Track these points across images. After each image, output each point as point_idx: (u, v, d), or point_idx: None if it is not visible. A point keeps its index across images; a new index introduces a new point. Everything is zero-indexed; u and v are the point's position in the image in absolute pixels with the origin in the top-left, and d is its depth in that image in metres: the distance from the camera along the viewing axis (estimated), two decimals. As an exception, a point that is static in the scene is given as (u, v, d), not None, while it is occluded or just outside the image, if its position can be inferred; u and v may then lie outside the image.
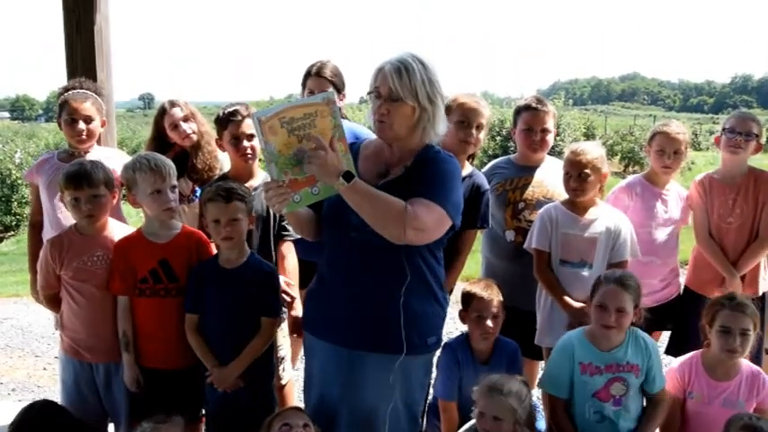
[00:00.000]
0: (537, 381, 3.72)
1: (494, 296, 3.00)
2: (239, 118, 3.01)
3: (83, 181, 2.77)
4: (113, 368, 2.89)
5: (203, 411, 2.96)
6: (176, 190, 2.85)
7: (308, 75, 3.60)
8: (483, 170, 3.55)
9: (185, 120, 3.63)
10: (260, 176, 3.09)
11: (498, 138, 19.98)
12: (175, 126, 3.62)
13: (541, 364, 3.56)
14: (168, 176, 2.78)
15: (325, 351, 2.47)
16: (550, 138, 3.42)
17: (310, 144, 2.18)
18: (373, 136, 2.59)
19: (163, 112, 3.68)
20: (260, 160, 3.12)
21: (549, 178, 3.41)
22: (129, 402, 2.88)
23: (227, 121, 3.03)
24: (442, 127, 2.42)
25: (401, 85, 2.28)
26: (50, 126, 36.78)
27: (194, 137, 3.63)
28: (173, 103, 3.67)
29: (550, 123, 3.39)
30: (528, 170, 3.44)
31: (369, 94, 2.39)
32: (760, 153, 3.57)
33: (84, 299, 2.86)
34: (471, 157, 3.27)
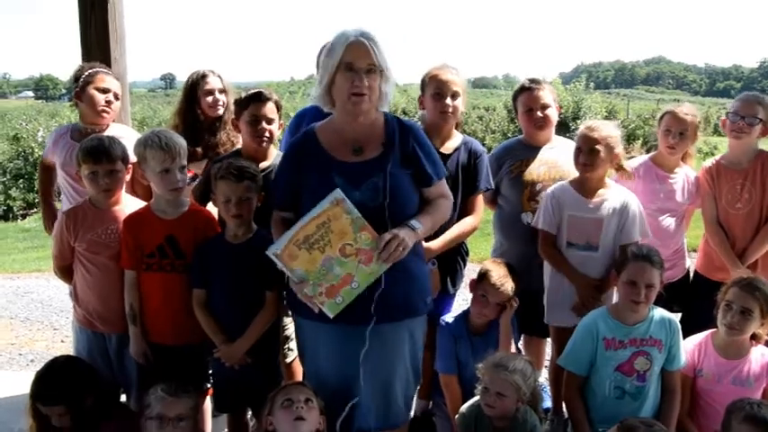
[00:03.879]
0: (545, 359, 3.77)
1: (506, 289, 3.02)
2: (262, 99, 3.00)
3: (102, 156, 2.82)
4: (125, 338, 2.94)
5: (208, 385, 3.01)
6: (185, 170, 2.85)
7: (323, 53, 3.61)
8: (493, 151, 3.58)
9: (221, 92, 3.67)
10: (273, 155, 3.09)
11: (517, 120, 19.88)
12: (210, 93, 3.64)
13: (548, 341, 3.59)
14: (178, 156, 2.78)
15: (331, 331, 2.48)
16: (552, 112, 3.42)
17: (333, 249, 2.30)
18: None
19: (202, 76, 3.69)
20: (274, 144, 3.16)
21: (562, 159, 3.40)
22: (139, 374, 2.94)
23: (248, 101, 3.01)
24: (391, 94, 2.51)
25: (378, 55, 2.36)
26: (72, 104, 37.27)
27: (221, 110, 3.65)
28: (213, 72, 3.70)
29: (549, 98, 3.39)
30: (536, 150, 3.44)
31: (339, 68, 2.37)
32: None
33: (98, 270, 2.92)
34: (457, 126, 3.28)
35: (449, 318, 3.20)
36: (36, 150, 16.69)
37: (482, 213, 3.23)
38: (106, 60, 3.75)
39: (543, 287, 3.32)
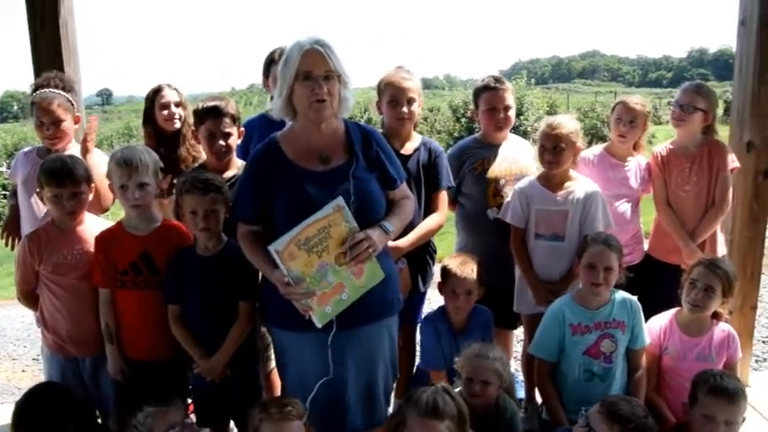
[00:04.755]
0: (513, 350, 3.87)
1: (468, 274, 3.11)
2: (218, 114, 2.99)
3: (66, 178, 2.78)
4: (99, 361, 2.91)
5: (189, 400, 3.00)
6: (147, 187, 2.78)
7: (270, 61, 3.61)
8: (450, 151, 3.65)
9: (177, 105, 3.65)
10: (236, 165, 3.11)
11: (463, 120, 20.08)
12: (165, 107, 3.61)
13: (516, 332, 3.70)
14: (135, 173, 2.73)
15: (308, 340, 2.50)
16: (512, 113, 3.51)
17: (330, 255, 2.34)
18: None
19: (158, 90, 3.66)
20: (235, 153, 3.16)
21: (519, 155, 3.51)
22: (116, 393, 2.91)
23: (205, 116, 3.01)
24: (352, 101, 2.55)
25: (335, 62, 2.39)
26: (6, 126, 35.86)
27: (178, 124, 3.63)
28: (170, 85, 3.68)
29: (511, 100, 3.49)
30: (497, 147, 3.53)
31: (297, 78, 2.39)
32: (719, 123, 3.65)
33: (65, 293, 2.88)
34: (414, 127, 3.35)
35: (428, 315, 3.28)
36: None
37: (446, 210, 3.31)
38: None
39: (511, 279, 3.42)
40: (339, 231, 2.35)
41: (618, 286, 3.09)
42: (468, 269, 3.12)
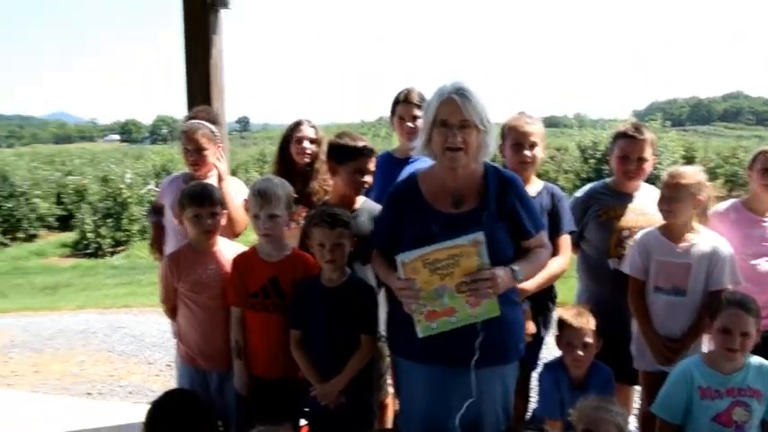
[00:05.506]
0: (633, 406, 3.71)
1: (584, 324, 3.05)
2: (367, 153, 3.16)
3: (205, 199, 3.06)
4: (225, 375, 3.12)
5: (305, 422, 3.13)
6: (278, 219, 2.96)
7: (397, 102, 3.74)
8: (578, 193, 3.61)
9: (312, 141, 3.84)
10: (359, 201, 3.25)
11: (591, 161, 19.52)
12: (300, 141, 3.82)
13: (636, 388, 3.55)
14: (267, 204, 2.93)
15: (428, 372, 2.57)
16: (648, 166, 3.41)
17: (452, 281, 2.40)
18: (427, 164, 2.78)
19: (296, 124, 3.88)
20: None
21: (650, 208, 3.39)
22: (239, 407, 3.09)
23: (356, 154, 3.15)
24: (493, 146, 2.60)
25: (472, 111, 2.44)
26: (156, 148, 39.08)
27: (308, 159, 3.82)
28: (309, 122, 3.90)
29: (648, 152, 3.38)
30: (627, 197, 3.44)
31: (434, 125, 2.49)
32: None
33: (200, 310, 3.12)
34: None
35: (549, 363, 3.23)
36: (124, 191, 17.57)
37: (570, 255, 3.27)
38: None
39: (631, 332, 3.31)
40: (469, 263, 2.40)
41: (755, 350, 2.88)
42: (583, 320, 3.06)
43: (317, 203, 3.50)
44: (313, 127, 3.88)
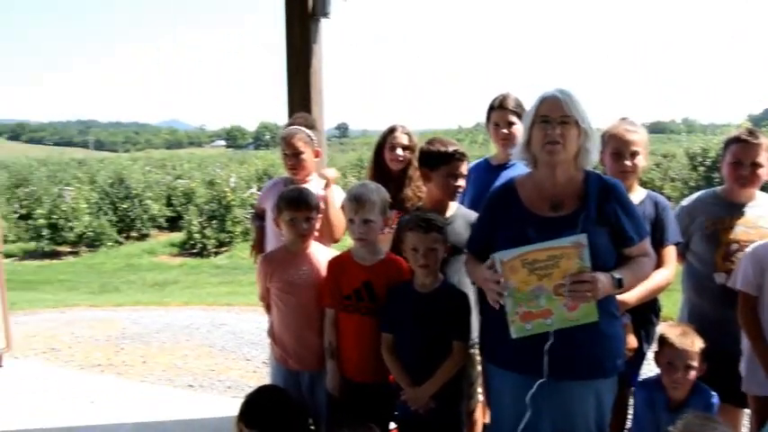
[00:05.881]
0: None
1: (689, 347, 2.88)
2: (459, 158, 3.17)
3: (301, 204, 3.15)
4: (316, 376, 3.18)
5: (394, 425, 3.14)
6: (372, 224, 3.00)
7: (491, 109, 3.69)
8: (684, 202, 3.45)
9: (405, 148, 3.85)
10: (453, 207, 3.24)
11: (701, 168, 18.53)
12: (393, 147, 3.85)
13: (746, 411, 3.33)
14: (362, 209, 2.98)
15: (519, 381, 2.51)
16: (763, 173, 3.19)
17: (550, 282, 2.36)
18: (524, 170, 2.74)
19: (392, 131, 3.92)
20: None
21: (763, 219, 3.19)
22: (329, 408, 3.14)
23: (448, 159, 3.17)
24: (595, 155, 2.55)
25: (572, 108, 2.44)
26: (260, 153, 40.61)
27: (401, 165, 3.84)
28: (403, 129, 3.92)
29: (763, 157, 3.17)
30: (738, 207, 3.24)
31: (534, 122, 2.50)
32: None
33: (291, 310, 3.20)
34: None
35: (645, 380, 3.09)
36: (229, 194, 18.33)
37: (675, 266, 3.12)
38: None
39: (740, 350, 3.10)
40: (568, 265, 2.34)
41: None
42: (688, 341, 2.89)
43: (410, 209, 3.52)
44: (407, 134, 3.89)
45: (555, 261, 2.34)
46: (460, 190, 3.20)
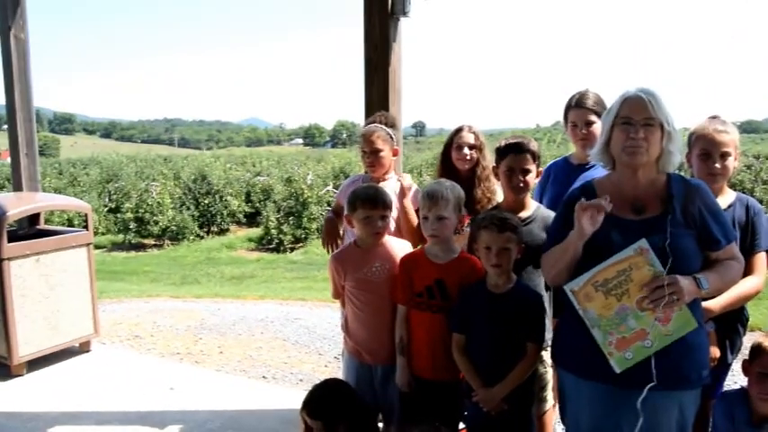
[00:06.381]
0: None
1: None
2: (518, 150, 3.08)
3: (378, 203, 3.16)
4: (389, 371, 3.19)
5: (462, 425, 3.12)
6: (446, 221, 2.99)
7: (569, 107, 3.59)
8: None
9: (471, 147, 3.80)
10: (531, 207, 3.17)
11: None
12: (460, 147, 3.81)
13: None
14: (435, 206, 2.97)
15: (595, 390, 2.42)
16: None
17: (630, 299, 2.26)
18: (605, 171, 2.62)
19: (458, 131, 3.88)
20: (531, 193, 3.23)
21: None
22: (401, 404, 3.15)
23: (506, 151, 3.12)
24: (678, 157, 2.43)
25: (658, 110, 2.34)
26: (336, 151, 41.16)
27: (469, 164, 3.78)
28: (470, 128, 3.88)
29: None
30: None
31: (615, 124, 2.40)
32: None
33: (364, 305, 3.22)
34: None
35: (726, 392, 2.94)
36: (305, 192, 18.65)
37: (765, 274, 2.95)
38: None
39: None
40: (641, 275, 2.24)
41: None
42: None
43: (480, 211, 3.48)
44: (473, 133, 3.84)
45: (626, 275, 2.25)
46: (521, 185, 3.09)
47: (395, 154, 3.85)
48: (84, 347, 5.78)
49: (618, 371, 2.30)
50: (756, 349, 2.82)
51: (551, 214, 3.04)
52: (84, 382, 5.12)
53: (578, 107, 3.52)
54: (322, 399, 3.07)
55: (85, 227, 5.79)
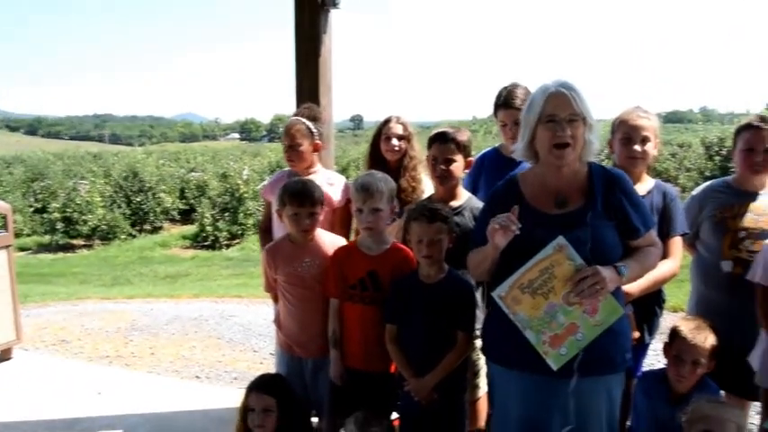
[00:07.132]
0: (748, 422, 3.42)
1: (701, 342, 2.82)
2: (442, 140, 3.10)
3: (305, 200, 3.10)
4: (320, 364, 3.17)
5: (396, 415, 3.12)
6: (380, 213, 2.97)
7: (497, 106, 3.58)
8: (695, 191, 3.40)
9: (400, 138, 3.79)
10: (462, 197, 3.19)
11: (717, 158, 18.36)
12: (389, 138, 3.80)
13: (754, 404, 3.26)
14: (370, 199, 2.95)
15: (524, 380, 2.43)
16: None
17: (557, 296, 2.28)
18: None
19: (386, 122, 3.86)
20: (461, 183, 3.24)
21: None
22: (331, 396, 3.13)
23: (432, 142, 3.16)
24: (597, 144, 2.45)
25: (579, 104, 2.34)
26: (273, 146, 40.70)
27: (397, 155, 3.78)
28: (398, 119, 3.86)
29: None
30: (748, 195, 3.18)
31: (538, 121, 2.38)
32: None
33: (296, 300, 3.19)
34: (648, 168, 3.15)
35: (647, 372, 3.03)
36: (241, 187, 18.39)
37: (680, 258, 3.06)
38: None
39: (746, 340, 3.04)
40: (563, 270, 2.27)
41: None
42: (701, 337, 2.82)
43: (405, 200, 3.49)
44: (401, 124, 3.83)
45: (549, 273, 2.27)
46: (444, 174, 3.11)
47: (316, 148, 3.77)
48: (5, 355, 5.52)
49: (555, 368, 2.32)
50: (673, 333, 2.92)
51: (481, 204, 3.05)
52: (4, 391, 4.89)
53: (506, 107, 3.51)
54: (274, 377, 3.07)
55: (4, 227, 5.51)
